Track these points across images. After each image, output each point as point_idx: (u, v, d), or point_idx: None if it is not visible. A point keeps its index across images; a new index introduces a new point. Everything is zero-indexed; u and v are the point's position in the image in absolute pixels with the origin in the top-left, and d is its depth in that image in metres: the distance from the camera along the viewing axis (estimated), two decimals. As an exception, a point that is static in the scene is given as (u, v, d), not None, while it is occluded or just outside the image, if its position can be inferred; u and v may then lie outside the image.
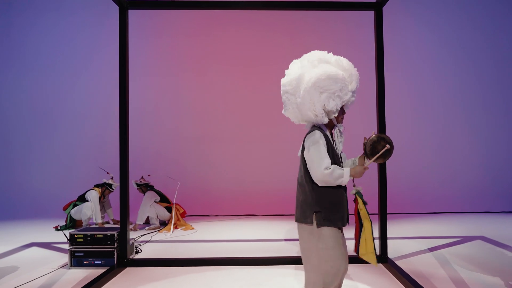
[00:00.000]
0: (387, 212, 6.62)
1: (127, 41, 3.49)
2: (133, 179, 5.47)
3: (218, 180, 7.07)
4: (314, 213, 1.98)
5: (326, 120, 2.02)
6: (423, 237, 4.67)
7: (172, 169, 6.77)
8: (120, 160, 3.45)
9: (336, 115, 2.06)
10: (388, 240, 3.65)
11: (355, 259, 3.52)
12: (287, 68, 2.16)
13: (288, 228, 5.26)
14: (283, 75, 2.15)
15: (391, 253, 3.69)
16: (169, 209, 5.47)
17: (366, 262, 3.42)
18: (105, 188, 5.51)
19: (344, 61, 2.09)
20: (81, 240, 3.44)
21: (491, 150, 7.19)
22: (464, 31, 7.23)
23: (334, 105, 1.98)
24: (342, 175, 1.95)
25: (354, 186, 2.12)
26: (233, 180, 7.07)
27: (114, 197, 5.04)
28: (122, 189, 3.44)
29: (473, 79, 7.24)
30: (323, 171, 1.92)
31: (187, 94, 7.23)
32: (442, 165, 7.16)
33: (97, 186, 5.53)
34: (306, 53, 2.15)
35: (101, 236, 3.44)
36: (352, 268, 3.32)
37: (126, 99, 3.48)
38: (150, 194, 5.47)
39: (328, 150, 2.00)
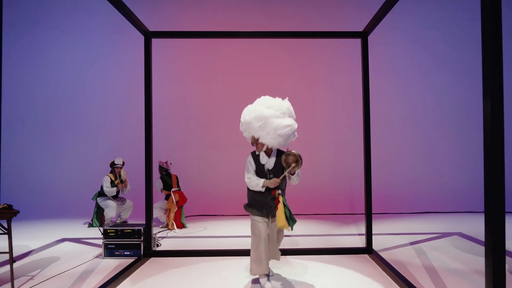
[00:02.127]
0: (380, 212, 7.23)
1: (151, 66, 4.09)
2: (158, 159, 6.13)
3: (224, 183, 7.65)
4: (245, 205, 3.19)
5: (252, 145, 3.13)
6: (407, 233, 5.28)
7: (180, 173, 7.37)
8: (145, 162, 4.02)
9: (251, 143, 3.12)
10: (375, 236, 4.32)
11: (344, 251, 4.15)
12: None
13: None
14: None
15: (376, 246, 4.30)
16: (168, 197, 5.88)
17: (354, 253, 4.08)
18: (113, 169, 6.00)
19: (263, 110, 3.02)
20: (113, 234, 4.06)
21: (478, 154, 7.78)
22: (450, 39, 7.83)
23: (248, 137, 3.11)
24: (258, 184, 2.99)
25: (277, 191, 3.01)
26: (237, 182, 7.64)
27: (139, 197, 5.56)
28: (147, 188, 4.04)
29: (455, 86, 7.80)
30: (246, 180, 3.09)
31: (193, 102, 7.81)
32: (430, 169, 7.74)
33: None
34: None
35: (130, 231, 4.06)
36: (340, 258, 3.94)
37: (150, 112, 4.08)
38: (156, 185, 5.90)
39: (257, 166, 3.06)
